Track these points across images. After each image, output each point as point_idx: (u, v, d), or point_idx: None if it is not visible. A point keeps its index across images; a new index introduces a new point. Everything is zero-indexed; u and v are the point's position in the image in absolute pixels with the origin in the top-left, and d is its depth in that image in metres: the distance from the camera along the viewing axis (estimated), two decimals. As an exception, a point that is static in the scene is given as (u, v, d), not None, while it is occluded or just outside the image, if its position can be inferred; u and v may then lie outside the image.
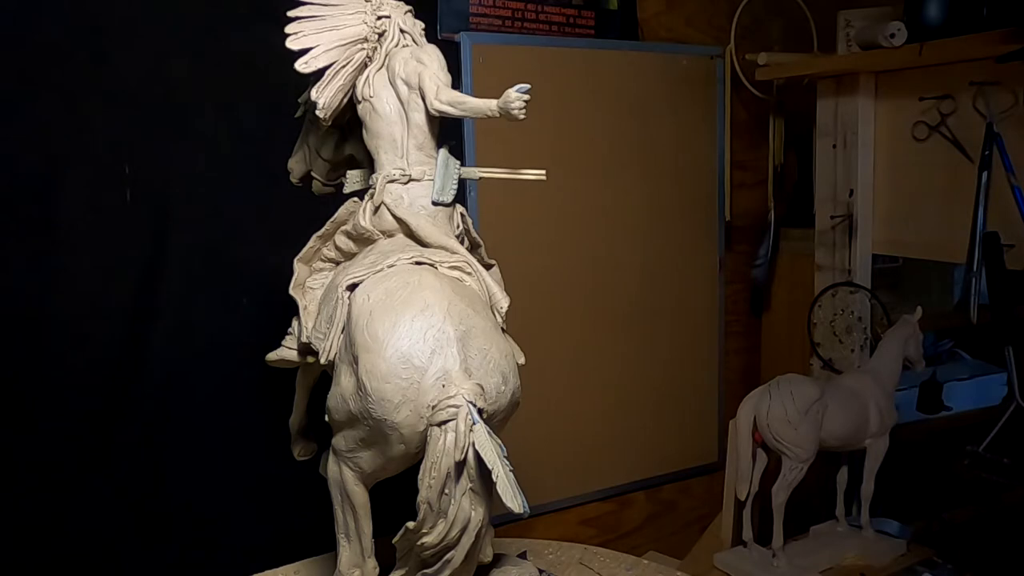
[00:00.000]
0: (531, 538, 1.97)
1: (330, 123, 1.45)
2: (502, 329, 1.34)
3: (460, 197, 1.46)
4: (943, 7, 2.07)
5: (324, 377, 1.55)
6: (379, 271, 1.31)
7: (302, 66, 1.34)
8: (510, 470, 1.10)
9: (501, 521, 1.98)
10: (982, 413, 2.55)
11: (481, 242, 1.48)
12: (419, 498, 1.15)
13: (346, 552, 1.39)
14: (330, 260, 1.49)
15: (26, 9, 1.74)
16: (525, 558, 1.66)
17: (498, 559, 1.51)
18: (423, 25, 1.48)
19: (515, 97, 1.25)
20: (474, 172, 1.48)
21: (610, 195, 2.51)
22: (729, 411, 2.32)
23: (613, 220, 2.52)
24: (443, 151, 1.43)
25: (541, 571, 1.59)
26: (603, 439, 2.58)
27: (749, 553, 2.18)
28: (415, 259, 1.32)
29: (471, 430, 1.13)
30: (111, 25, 1.82)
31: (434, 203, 1.41)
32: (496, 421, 1.23)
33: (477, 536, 1.19)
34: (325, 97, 1.37)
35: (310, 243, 1.49)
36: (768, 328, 2.88)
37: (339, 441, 1.32)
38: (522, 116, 1.26)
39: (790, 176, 2.82)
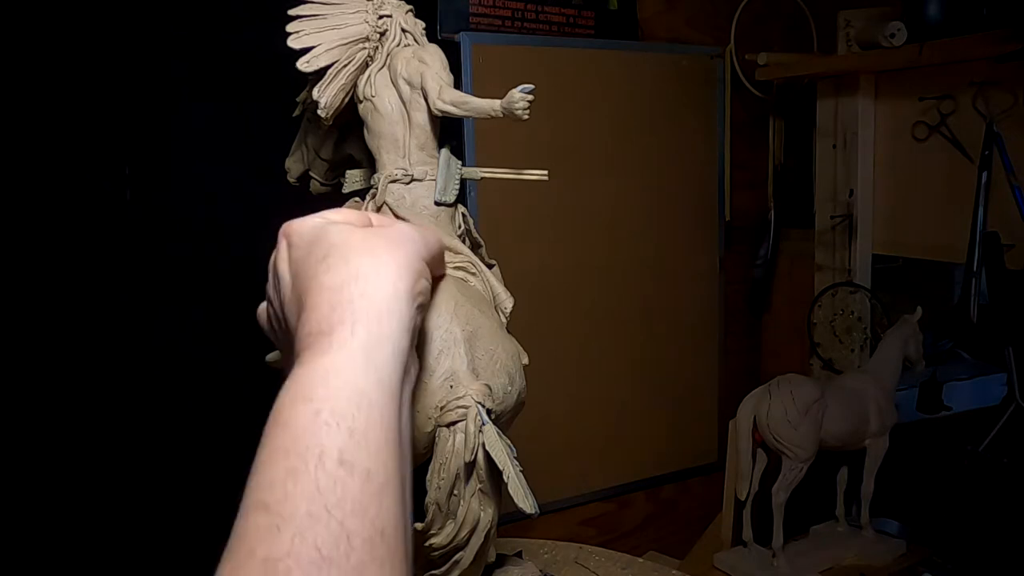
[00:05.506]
0: (528, 538, 1.96)
1: (331, 123, 1.45)
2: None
3: (460, 197, 1.45)
4: (943, 7, 2.07)
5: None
6: (383, 271, 1.30)
7: (303, 65, 1.33)
8: (520, 470, 1.10)
9: (501, 521, 1.97)
10: (982, 413, 2.55)
11: (482, 242, 1.47)
12: (427, 500, 1.15)
13: (349, 553, 1.39)
14: (330, 260, 1.48)
15: (26, 8, 1.74)
16: (520, 557, 1.66)
17: (500, 559, 1.50)
18: (424, 25, 1.47)
19: (519, 97, 1.24)
20: (476, 172, 1.47)
21: (610, 195, 2.50)
22: (729, 411, 2.31)
23: (613, 220, 2.52)
24: (445, 151, 1.42)
25: (540, 571, 1.58)
26: (603, 439, 2.58)
27: (749, 553, 2.18)
28: (419, 259, 1.32)
29: (480, 431, 1.12)
30: (111, 24, 1.82)
31: (437, 203, 1.40)
32: (502, 422, 1.23)
33: (486, 537, 1.19)
34: (327, 97, 1.36)
35: (310, 243, 1.48)
36: (768, 328, 2.88)
37: (343, 442, 1.31)
38: (526, 116, 1.25)
39: (790, 176, 2.82)
